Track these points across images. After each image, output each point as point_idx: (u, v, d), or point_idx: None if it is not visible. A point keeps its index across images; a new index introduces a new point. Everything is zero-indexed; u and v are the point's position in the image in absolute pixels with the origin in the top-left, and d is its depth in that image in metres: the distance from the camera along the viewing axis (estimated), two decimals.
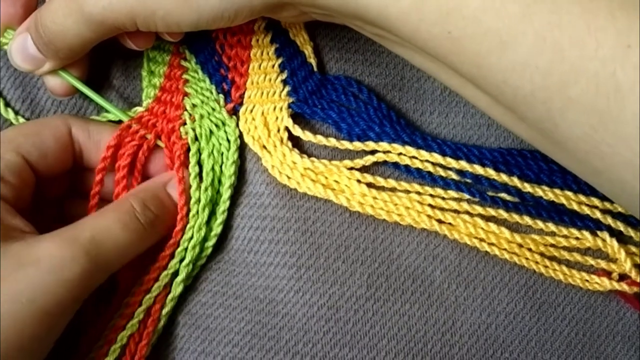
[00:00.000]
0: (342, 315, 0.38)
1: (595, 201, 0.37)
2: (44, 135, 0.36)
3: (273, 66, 0.39)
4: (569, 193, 0.37)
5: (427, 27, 0.28)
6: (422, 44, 0.29)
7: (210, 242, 0.38)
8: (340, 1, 0.30)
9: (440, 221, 0.37)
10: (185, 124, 0.38)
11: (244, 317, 0.38)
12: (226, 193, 0.38)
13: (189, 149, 0.38)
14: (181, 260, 0.37)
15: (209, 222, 0.38)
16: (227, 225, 0.39)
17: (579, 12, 0.26)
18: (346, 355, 0.37)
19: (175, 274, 0.37)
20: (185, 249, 0.37)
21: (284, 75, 0.39)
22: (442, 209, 0.38)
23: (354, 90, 0.39)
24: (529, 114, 0.28)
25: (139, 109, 0.39)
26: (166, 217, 0.36)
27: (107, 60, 0.40)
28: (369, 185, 0.38)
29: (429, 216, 0.37)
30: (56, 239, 0.32)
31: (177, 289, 0.37)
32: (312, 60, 0.39)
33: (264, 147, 0.38)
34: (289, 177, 0.38)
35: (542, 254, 0.37)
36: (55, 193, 0.38)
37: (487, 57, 0.27)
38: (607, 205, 0.37)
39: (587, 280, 0.37)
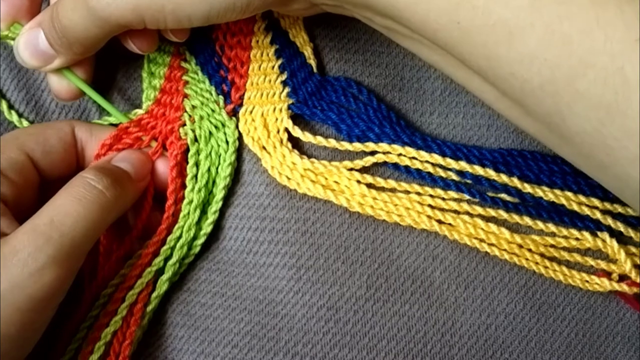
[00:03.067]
0: (342, 316, 0.38)
1: (595, 202, 0.37)
2: (47, 134, 0.36)
3: (273, 67, 0.39)
4: (569, 194, 0.37)
5: (436, 17, 0.28)
6: (431, 35, 0.29)
7: (199, 241, 0.38)
8: None
9: (440, 222, 0.37)
10: (184, 125, 0.39)
11: (244, 318, 0.38)
12: (219, 194, 0.38)
13: (187, 150, 0.38)
14: (167, 259, 0.37)
15: (199, 222, 0.38)
16: (226, 226, 0.39)
17: (588, 5, 0.26)
18: (346, 356, 0.37)
19: (161, 272, 0.37)
20: (172, 248, 0.37)
21: (284, 77, 0.39)
22: (442, 210, 0.38)
23: (353, 92, 0.39)
24: (536, 107, 0.28)
25: (139, 111, 0.39)
26: (123, 182, 0.35)
27: (108, 61, 0.40)
28: (369, 185, 0.38)
29: (428, 217, 0.37)
30: (17, 233, 0.31)
31: (162, 287, 0.37)
32: (312, 62, 0.39)
33: (264, 148, 0.38)
34: (288, 178, 0.38)
35: (542, 255, 0.37)
36: None
37: (495, 49, 0.27)
38: (607, 205, 0.37)
39: (587, 281, 0.37)
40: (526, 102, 0.29)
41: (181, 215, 0.37)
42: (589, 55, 0.25)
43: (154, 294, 0.37)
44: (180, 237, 0.37)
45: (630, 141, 0.26)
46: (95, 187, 0.33)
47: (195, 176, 0.38)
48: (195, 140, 0.39)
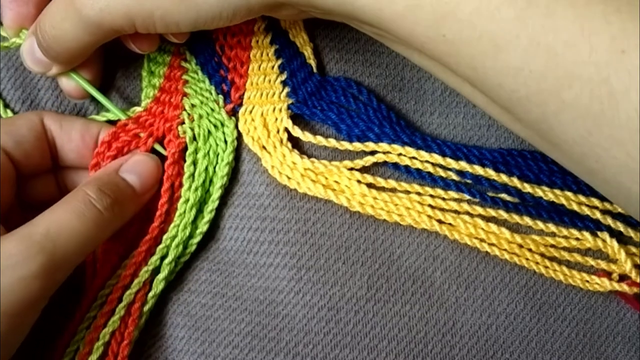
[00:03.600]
0: (343, 317, 0.38)
1: (595, 202, 0.37)
2: (17, 124, 0.36)
3: (273, 67, 0.39)
4: (569, 193, 0.37)
5: (422, 30, 0.28)
6: (419, 46, 0.30)
7: (195, 240, 0.38)
8: (337, 2, 0.30)
9: (440, 222, 0.37)
10: (183, 123, 0.38)
11: (244, 318, 0.38)
12: (216, 193, 0.38)
13: (185, 148, 0.38)
14: (163, 258, 0.37)
15: (195, 221, 0.38)
16: (227, 226, 0.39)
17: (574, 17, 0.26)
18: (346, 357, 0.37)
19: (157, 271, 0.37)
20: (168, 247, 0.37)
21: (284, 77, 0.39)
22: (442, 210, 0.38)
23: (353, 92, 0.39)
24: (524, 115, 0.28)
25: (138, 109, 0.39)
26: (124, 200, 0.35)
27: (108, 60, 0.40)
28: (369, 185, 0.38)
29: (429, 217, 0.37)
30: (11, 238, 0.31)
31: (158, 286, 0.37)
32: (312, 62, 0.39)
33: (264, 147, 0.38)
34: (289, 178, 0.38)
35: (542, 255, 0.37)
36: (42, 196, 0.38)
37: (482, 60, 0.28)
38: (607, 205, 0.37)
39: (587, 281, 0.37)
40: (515, 111, 0.29)
41: (177, 213, 0.37)
42: (574, 67, 0.25)
43: (151, 294, 0.37)
44: (175, 235, 0.37)
45: (618, 150, 0.26)
46: (95, 207, 0.33)
47: (193, 175, 0.38)
48: (194, 138, 0.38)
